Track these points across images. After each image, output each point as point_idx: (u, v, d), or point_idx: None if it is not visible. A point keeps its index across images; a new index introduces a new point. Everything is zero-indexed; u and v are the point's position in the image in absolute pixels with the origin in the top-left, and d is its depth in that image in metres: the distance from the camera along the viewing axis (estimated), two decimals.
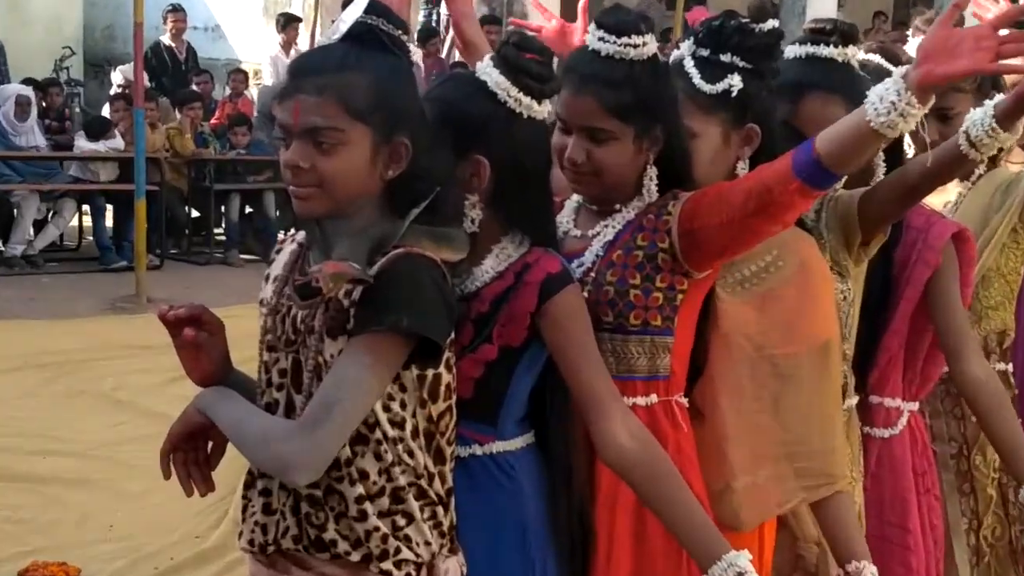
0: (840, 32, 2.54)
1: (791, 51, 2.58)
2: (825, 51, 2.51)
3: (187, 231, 11.08)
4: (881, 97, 1.93)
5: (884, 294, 2.61)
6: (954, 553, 2.87)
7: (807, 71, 2.51)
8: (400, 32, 1.99)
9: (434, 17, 14.42)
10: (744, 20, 2.33)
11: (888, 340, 2.63)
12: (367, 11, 1.96)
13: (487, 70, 2.10)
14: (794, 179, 2.00)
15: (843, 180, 2.34)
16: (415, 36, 13.24)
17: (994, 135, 2.24)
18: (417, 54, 12.82)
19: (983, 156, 2.30)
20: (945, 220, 2.64)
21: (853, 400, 2.59)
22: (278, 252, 2.13)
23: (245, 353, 2.10)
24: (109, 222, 10.19)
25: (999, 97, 2.26)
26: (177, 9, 12.39)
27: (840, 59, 2.51)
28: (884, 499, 2.65)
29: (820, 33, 2.54)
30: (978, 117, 2.25)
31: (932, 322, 2.60)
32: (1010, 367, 3.04)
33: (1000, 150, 2.39)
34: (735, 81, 2.26)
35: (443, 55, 13.70)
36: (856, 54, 2.55)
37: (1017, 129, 2.25)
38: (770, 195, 2.02)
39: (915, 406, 2.73)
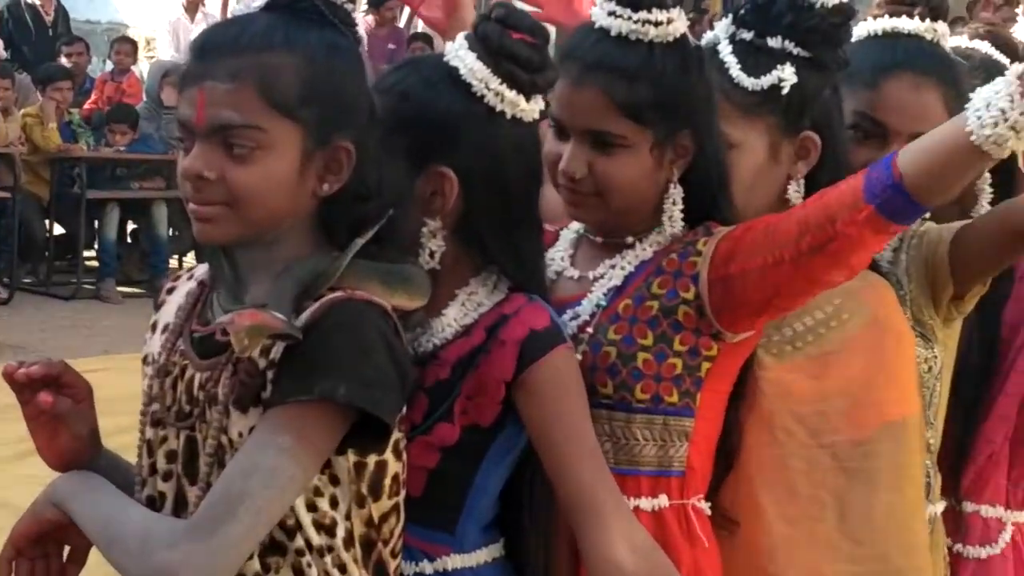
0: (926, 2, 2.59)
1: (863, 28, 2.64)
2: (909, 24, 2.57)
3: (47, 253, 11.12)
4: (988, 103, 1.95)
5: (987, 367, 2.64)
6: None
7: (887, 49, 2.57)
8: (344, 0, 1.99)
9: None
10: None
11: (991, 428, 2.65)
12: None
13: (460, 53, 2.11)
14: (865, 205, 2.00)
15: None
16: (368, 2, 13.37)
17: None
18: (366, 23, 12.99)
19: None
20: None
21: (939, 506, 2.60)
22: (170, 291, 2.12)
23: (121, 421, 2.08)
24: None
25: None
26: None
27: (929, 36, 2.56)
28: None
29: (900, 3, 2.60)
30: None
31: None
32: None
33: None
34: (787, 74, 2.30)
35: (401, 24, 13.82)
36: (947, 34, 2.60)
37: None
38: (833, 227, 2.03)
39: (1022, 517, 2.75)
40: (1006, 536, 2.71)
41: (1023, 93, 1.93)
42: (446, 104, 2.09)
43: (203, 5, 12.43)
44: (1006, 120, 1.93)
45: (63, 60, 11.76)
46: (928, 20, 2.57)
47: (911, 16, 2.57)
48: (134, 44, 12.78)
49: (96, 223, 10.88)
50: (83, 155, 10.89)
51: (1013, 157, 2.35)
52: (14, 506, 2.13)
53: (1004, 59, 2.54)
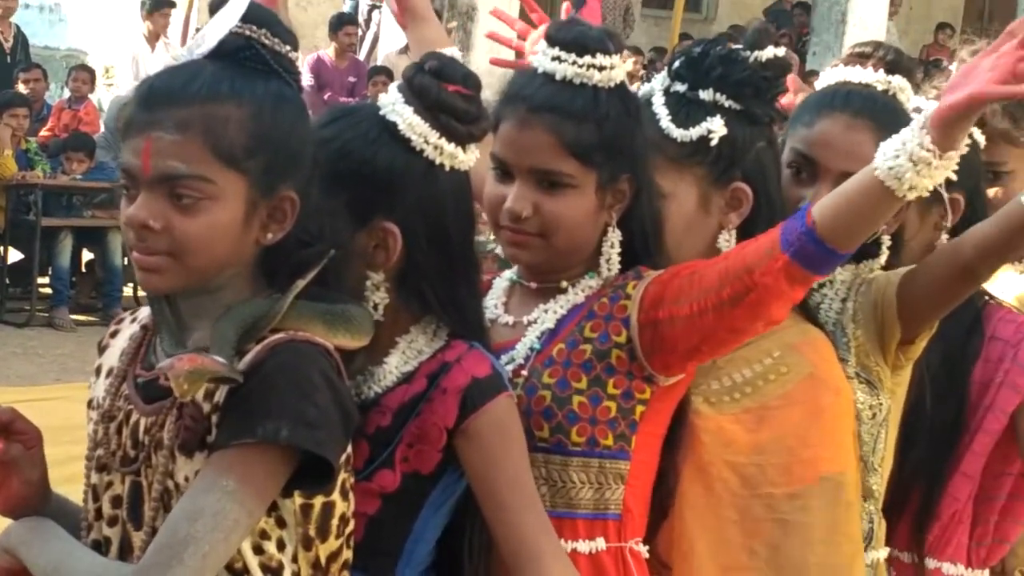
0: (883, 56, 2.64)
1: (823, 78, 2.69)
2: (860, 75, 2.60)
3: (3, 280, 11.02)
4: (898, 140, 2.01)
5: (955, 425, 2.64)
6: None
7: (831, 93, 2.61)
8: (288, 48, 2.00)
9: (353, 4, 14.63)
10: (736, 47, 2.38)
11: (956, 487, 2.67)
12: (245, 19, 1.96)
13: (397, 108, 2.11)
14: (781, 254, 2.03)
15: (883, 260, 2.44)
16: (328, 26, 13.34)
17: None
18: (327, 56, 12.99)
19: None
20: None
21: (881, 553, 2.60)
22: (113, 335, 2.12)
23: (72, 450, 2.07)
24: None
25: None
26: None
27: (880, 86, 2.59)
28: None
29: (857, 57, 2.65)
30: None
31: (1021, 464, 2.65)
32: None
33: None
34: (716, 126, 2.31)
35: (361, 56, 13.80)
36: (904, 86, 2.62)
37: None
38: (751, 277, 2.05)
39: (984, 575, 2.75)
40: None
41: (921, 125, 1.99)
42: (387, 161, 2.09)
43: (165, 36, 12.36)
44: (905, 150, 1.98)
45: (20, 87, 11.64)
46: (883, 72, 2.60)
47: (863, 66, 2.61)
48: (92, 72, 12.67)
49: (50, 251, 10.78)
50: (39, 182, 10.79)
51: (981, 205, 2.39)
52: None
53: None
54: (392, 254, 2.09)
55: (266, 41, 1.96)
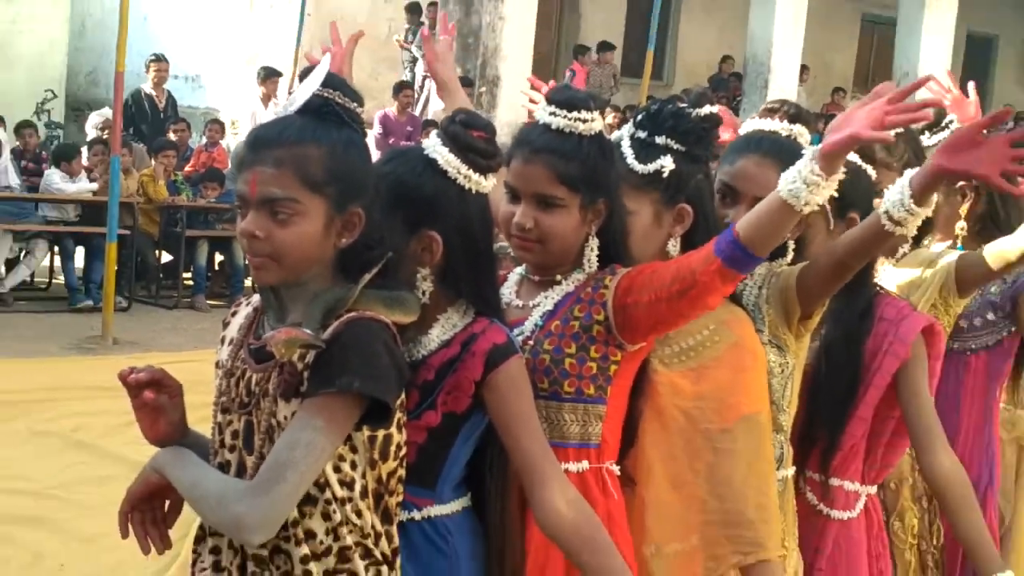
0: (787, 111, 2.63)
1: (744, 127, 2.68)
2: (771, 124, 2.60)
3: (158, 275, 11.04)
4: (795, 169, 2.01)
5: (852, 383, 2.62)
6: None
7: (747, 140, 2.60)
8: (355, 105, 1.98)
9: (411, 75, 14.59)
10: (682, 105, 2.37)
11: (853, 427, 2.64)
12: (324, 84, 1.95)
13: (437, 149, 2.10)
14: (715, 259, 2.02)
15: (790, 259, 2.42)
16: (392, 90, 13.34)
17: (912, 212, 2.24)
18: (392, 114, 12.99)
19: (908, 232, 2.30)
20: (917, 314, 2.67)
21: (789, 471, 2.59)
22: (233, 315, 2.12)
23: (207, 398, 2.07)
24: (79, 262, 10.16)
25: (912, 172, 2.27)
26: (160, 59, 12.44)
27: (785, 133, 2.57)
28: None
29: (768, 111, 2.64)
30: (895, 196, 2.25)
31: (901, 412, 2.63)
32: None
33: (928, 223, 2.40)
34: (667, 162, 2.30)
35: (416, 112, 13.78)
36: (804, 133, 2.60)
37: (931, 203, 2.25)
38: (693, 277, 2.04)
39: (873, 490, 2.75)
40: (860, 504, 2.70)
41: (812, 157, 1.99)
42: (430, 185, 2.08)
43: (275, 97, 12.37)
44: (800, 176, 1.98)
45: (170, 135, 11.67)
46: (786, 122, 2.59)
47: (773, 119, 2.60)
48: (222, 125, 12.64)
49: (192, 254, 10.82)
50: (184, 204, 10.82)
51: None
52: (128, 459, 2.13)
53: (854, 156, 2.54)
54: (435, 256, 2.08)
55: (339, 100, 1.96)
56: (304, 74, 2.00)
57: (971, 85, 3.21)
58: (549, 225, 2.18)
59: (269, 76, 12.71)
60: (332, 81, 1.97)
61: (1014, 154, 2.12)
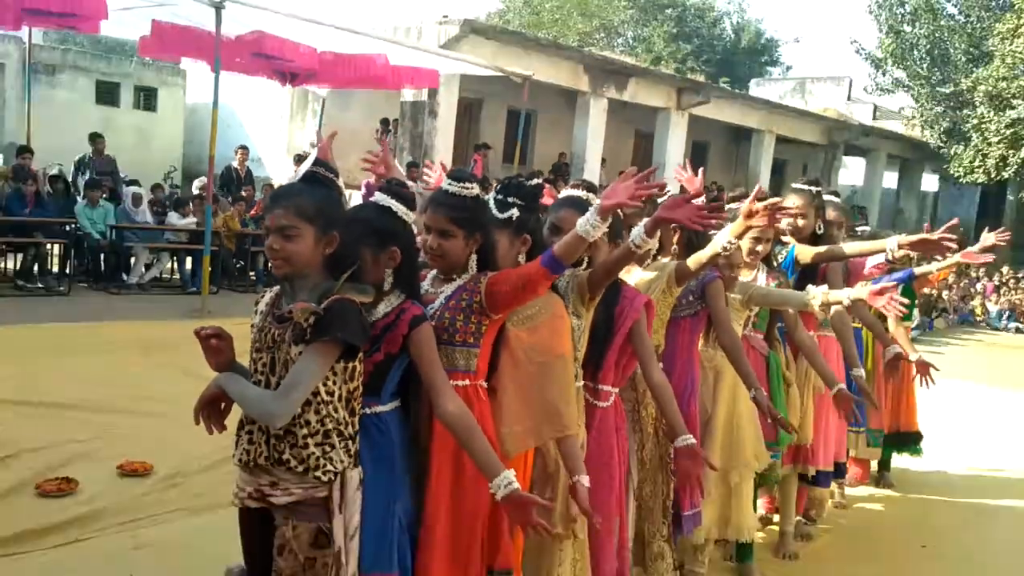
0: (585, 185, 2.67)
1: (562, 193, 2.67)
2: (576, 192, 2.62)
3: (236, 273, 10.76)
4: (585, 217, 2.02)
5: (608, 331, 2.60)
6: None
7: (565, 200, 2.60)
8: (332, 175, 1.93)
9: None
10: (522, 178, 2.36)
11: (609, 355, 2.61)
12: (314, 164, 1.93)
13: (388, 200, 2.04)
14: (542, 268, 2.01)
15: (581, 266, 2.40)
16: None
17: (646, 241, 2.24)
18: (372, 177, 12.63)
19: (650, 252, 2.30)
20: (641, 295, 2.65)
21: (580, 383, 2.55)
22: (262, 297, 2.06)
23: (246, 345, 2.00)
24: (188, 265, 10.15)
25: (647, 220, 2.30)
26: (244, 148, 12.23)
27: (584, 196, 2.59)
28: (601, 447, 2.63)
29: (575, 185, 2.67)
30: (637, 232, 2.26)
31: (633, 348, 2.61)
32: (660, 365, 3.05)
33: (660, 247, 2.40)
34: (514, 212, 2.28)
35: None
36: (592, 198, 2.59)
37: (656, 236, 2.27)
38: (529, 277, 2.04)
39: (616, 390, 2.72)
40: (612, 399, 2.64)
41: (594, 211, 1.99)
42: (391, 222, 2.03)
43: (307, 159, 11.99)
44: (588, 221, 1.99)
45: (243, 192, 11.28)
46: (583, 191, 2.61)
47: (576, 189, 2.62)
48: (272, 187, 12.26)
49: (254, 262, 10.52)
50: (250, 232, 10.45)
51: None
52: (205, 378, 1.99)
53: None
54: (397, 262, 2.04)
55: (323, 172, 1.94)
56: (300, 159, 1.95)
57: (700, 171, 3.26)
58: (448, 247, 2.13)
59: (300, 160, 12.29)
60: (320, 163, 1.95)
61: (699, 211, 2.18)
